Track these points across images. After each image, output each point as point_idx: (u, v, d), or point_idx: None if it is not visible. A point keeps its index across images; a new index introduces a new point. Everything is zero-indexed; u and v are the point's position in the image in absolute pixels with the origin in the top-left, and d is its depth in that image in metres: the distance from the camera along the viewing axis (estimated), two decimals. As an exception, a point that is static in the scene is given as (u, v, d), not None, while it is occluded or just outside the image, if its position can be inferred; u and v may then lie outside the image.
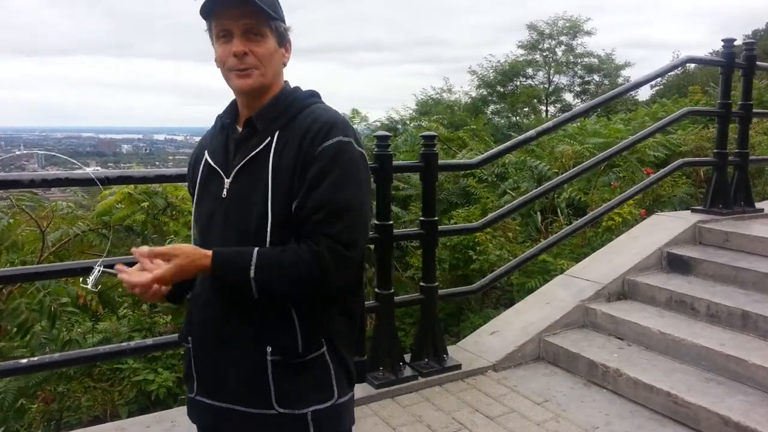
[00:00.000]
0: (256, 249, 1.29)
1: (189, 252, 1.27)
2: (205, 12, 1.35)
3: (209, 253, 1.29)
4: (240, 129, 1.44)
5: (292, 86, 1.47)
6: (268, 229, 1.32)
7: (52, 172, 3.00)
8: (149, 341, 3.02)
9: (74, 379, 3.94)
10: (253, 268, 1.27)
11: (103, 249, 4.77)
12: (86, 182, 3.05)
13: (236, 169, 1.38)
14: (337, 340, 1.41)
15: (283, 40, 1.42)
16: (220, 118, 1.50)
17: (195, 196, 1.48)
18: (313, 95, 1.47)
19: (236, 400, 1.38)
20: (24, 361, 2.77)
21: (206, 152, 1.46)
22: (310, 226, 1.31)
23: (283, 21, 1.41)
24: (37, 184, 2.67)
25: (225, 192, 1.38)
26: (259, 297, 1.29)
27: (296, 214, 1.32)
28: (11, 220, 4.32)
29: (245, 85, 1.37)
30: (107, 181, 3.28)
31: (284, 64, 1.44)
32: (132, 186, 4.45)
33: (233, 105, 1.48)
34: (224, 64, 1.37)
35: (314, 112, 1.40)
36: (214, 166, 1.43)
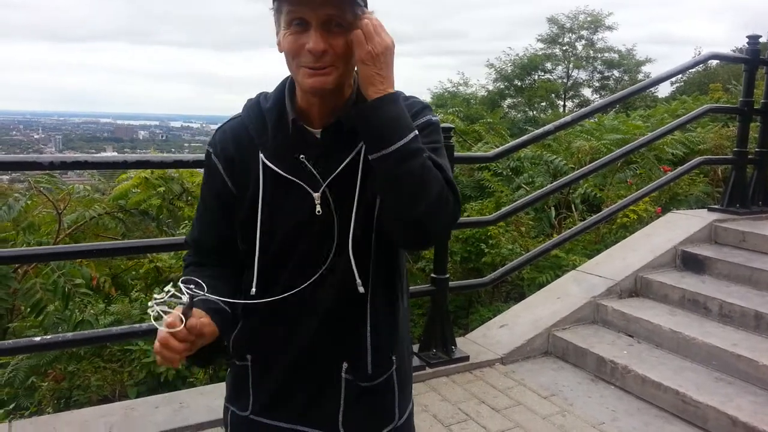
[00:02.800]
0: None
1: None
2: None
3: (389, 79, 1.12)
4: (313, 131, 1.22)
5: None
6: (350, 249, 1.21)
7: (71, 155, 3.03)
8: (160, 324, 3.05)
9: (85, 359, 4.00)
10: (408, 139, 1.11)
11: (118, 232, 4.83)
12: (105, 165, 3.09)
13: (328, 181, 1.20)
14: (405, 354, 1.37)
15: None
16: (275, 112, 1.23)
17: (259, 211, 1.22)
18: None
19: (302, 420, 1.30)
20: (38, 338, 2.82)
21: (262, 155, 1.22)
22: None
23: (366, 5, 1.18)
24: (56, 166, 2.70)
25: (318, 209, 1.19)
26: (416, 202, 1.11)
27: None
28: (29, 202, 4.38)
29: (321, 84, 1.14)
30: (126, 165, 3.33)
31: None
32: (149, 171, 4.49)
33: (285, 100, 1.24)
34: (294, 59, 1.15)
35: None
36: (290, 177, 1.20)
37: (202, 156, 3.01)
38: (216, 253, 1.31)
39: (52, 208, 4.54)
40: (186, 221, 4.79)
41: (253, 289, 1.24)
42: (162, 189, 4.48)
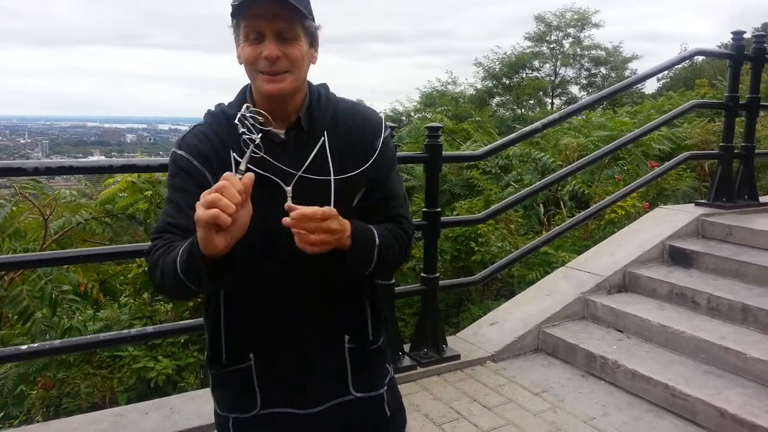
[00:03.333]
0: (372, 227, 1.32)
1: (343, 222, 1.22)
2: (239, 11, 1.26)
3: (347, 226, 1.23)
4: (276, 131, 1.33)
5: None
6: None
7: (56, 160, 3.00)
8: (149, 329, 3.04)
9: (74, 366, 3.97)
10: (377, 246, 1.30)
11: (106, 237, 4.79)
12: (90, 170, 3.07)
13: (297, 175, 1.32)
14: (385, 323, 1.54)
15: (314, 41, 1.35)
16: (243, 118, 1.31)
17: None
18: (328, 88, 1.45)
19: (315, 400, 1.40)
20: (24, 347, 2.80)
21: (234, 154, 1.32)
22: (387, 211, 1.41)
23: (314, 20, 1.33)
24: (40, 171, 2.67)
25: (290, 201, 1.27)
26: (370, 274, 1.34)
27: (363, 203, 1.38)
28: (14, 208, 4.34)
29: (277, 89, 1.29)
30: (111, 170, 3.31)
31: (313, 64, 1.38)
32: (135, 175, 4.46)
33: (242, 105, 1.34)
34: (252, 66, 1.29)
35: (352, 107, 1.44)
36: (263, 173, 1.29)
37: (188, 159, 3.00)
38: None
39: (38, 214, 4.50)
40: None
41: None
42: (149, 193, 4.44)
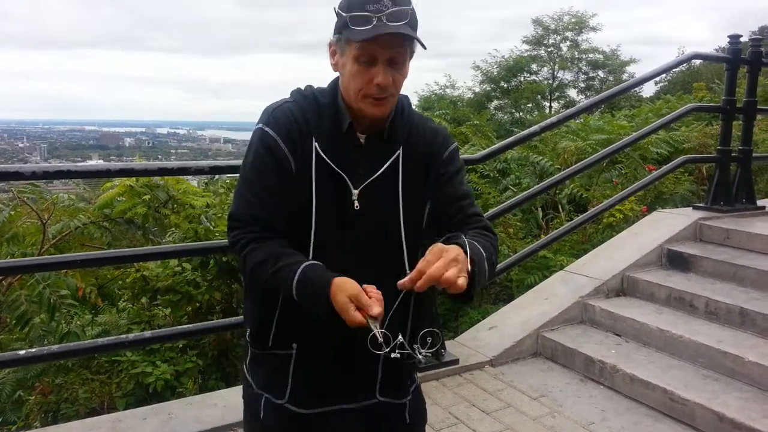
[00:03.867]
0: (470, 241, 1.25)
1: (452, 248, 1.19)
2: (359, 39, 1.24)
3: (459, 251, 1.20)
4: (360, 136, 1.38)
5: None
6: (404, 249, 1.37)
7: (54, 164, 3.01)
8: (148, 334, 3.03)
9: (72, 371, 3.96)
10: (485, 259, 1.27)
11: (104, 242, 4.79)
12: (88, 174, 3.07)
13: (367, 182, 1.35)
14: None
15: (412, 55, 1.38)
16: (332, 109, 1.37)
17: (314, 194, 1.33)
18: (409, 101, 1.49)
19: (343, 400, 1.43)
20: (22, 352, 2.78)
21: (316, 142, 1.34)
22: (462, 213, 1.41)
23: (425, 47, 1.34)
24: (38, 176, 2.67)
25: (356, 204, 1.34)
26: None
27: (437, 209, 1.40)
28: (12, 212, 4.33)
29: (381, 113, 1.33)
30: (109, 174, 3.31)
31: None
32: (134, 179, 4.46)
33: (338, 105, 1.37)
34: (360, 90, 1.30)
35: (423, 122, 1.47)
36: (338, 170, 1.34)
37: (186, 163, 2.99)
38: (276, 227, 1.35)
39: (36, 219, 4.49)
40: (173, 229, 4.76)
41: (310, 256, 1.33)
42: (147, 197, 4.44)
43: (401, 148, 1.39)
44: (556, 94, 22.72)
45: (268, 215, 1.34)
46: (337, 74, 1.39)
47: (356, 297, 1.19)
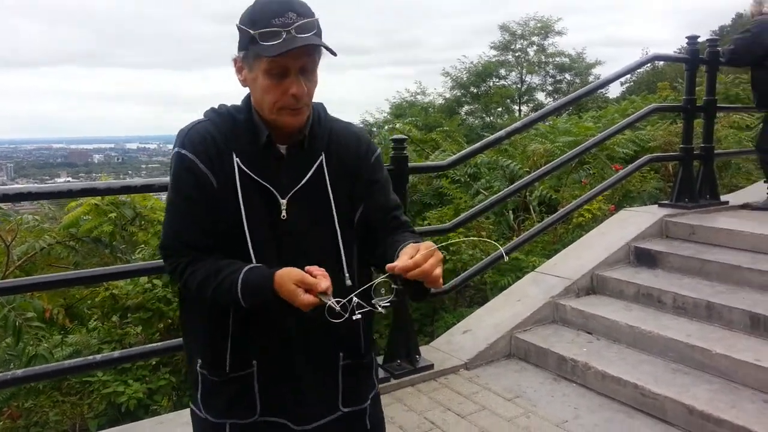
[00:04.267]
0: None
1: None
2: (274, 54, 1.24)
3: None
4: (280, 147, 1.38)
5: None
6: (341, 246, 1.39)
7: (15, 186, 2.95)
8: (116, 354, 2.98)
9: (43, 394, 3.87)
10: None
11: (71, 261, 4.70)
12: (50, 196, 3.02)
13: (294, 191, 1.36)
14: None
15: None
16: (249, 123, 1.38)
17: (242, 208, 1.34)
18: (324, 108, 1.50)
19: (308, 416, 1.42)
20: (-15, 377, 2.72)
21: (237, 158, 1.35)
22: (397, 221, 1.47)
23: (335, 53, 1.35)
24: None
25: (284, 214, 1.35)
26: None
27: (370, 215, 1.44)
28: (-25, 235, 4.24)
29: (297, 122, 1.35)
30: (71, 194, 3.24)
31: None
32: (99, 197, 4.39)
33: (254, 120, 1.38)
34: (275, 102, 1.31)
35: (346, 127, 1.50)
36: (263, 183, 1.35)
37: (151, 180, 2.96)
38: (208, 246, 1.35)
39: (0, 241, 4.40)
40: (142, 246, 4.70)
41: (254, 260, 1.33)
42: (114, 215, 4.38)
43: (323, 155, 1.40)
44: (525, 97, 22.96)
45: (197, 237, 1.35)
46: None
47: (301, 280, 1.22)
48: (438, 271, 1.19)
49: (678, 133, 6.92)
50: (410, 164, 3.41)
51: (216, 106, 1.43)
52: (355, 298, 1.23)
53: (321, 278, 1.22)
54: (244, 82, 1.36)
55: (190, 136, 1.36)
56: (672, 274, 3.79)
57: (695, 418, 2.65)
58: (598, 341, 3.44)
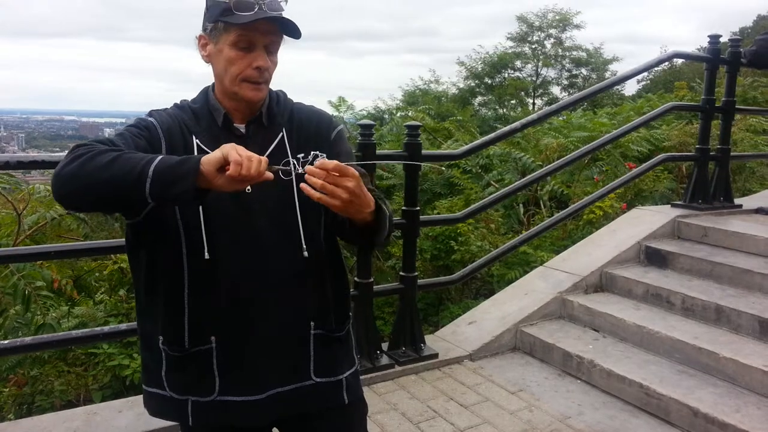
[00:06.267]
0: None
1: (365, 190, 1.26)
2: (242, 23, 1.31)
3: (371, 199, 1.29)
4: (237, 125, 1.43)
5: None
6: (299, 218, 1.41)
7: (30, 154, 2.95)
8: (123, 326, 2.98)
9: (48, 363, 3.91)
10: (388, 216, 1.38)
11: (81, 233, 4.72)
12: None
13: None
14: (352, 317, 1.61)
15: None
16: (205, 109, 1.44)
17: None
18: (286, 94, 1.56)
19: (275, 383, 1.42)
20: (-5, 343, 2.74)
21: (196, 140, 1.39)
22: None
23: (300, 35, 1.42)
24: (12, 165, 2.62)
25: (248, 188, 1.33)
26: (379, 243, 1.42)
27: None
28: (-14, 202, 4.26)
29: (257, 97, 1.40)
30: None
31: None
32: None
33: (210, 101, 1.44)
34: (239, 74, 1.37)
35: (304, 107, 1.54)
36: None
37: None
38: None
39: (11, 209, 4.42)
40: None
41: (206, 254, 1.34)
42: (126, 188, 4.39)
43: (284, 131, 1.45)
44: (540, 91, 22.83)
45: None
46: (205, 84, 1.48)
47: (233, 146, 1.18)
48: (348, 182, 1.19)
49: (693, 133, 6.86)
50: (423, 152, 3.39)
51: (178, 101, 1.50)
52: (291, 158, 1.29)
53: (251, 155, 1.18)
54: (207, 58, 1.41)
55: (158, 111, 1.45)
56: (682, 276, 3.77)
57: (699, 420, 2.64)
58: (605, 339, 3.42)
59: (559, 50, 22.91)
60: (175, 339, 1.39)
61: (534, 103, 21.99)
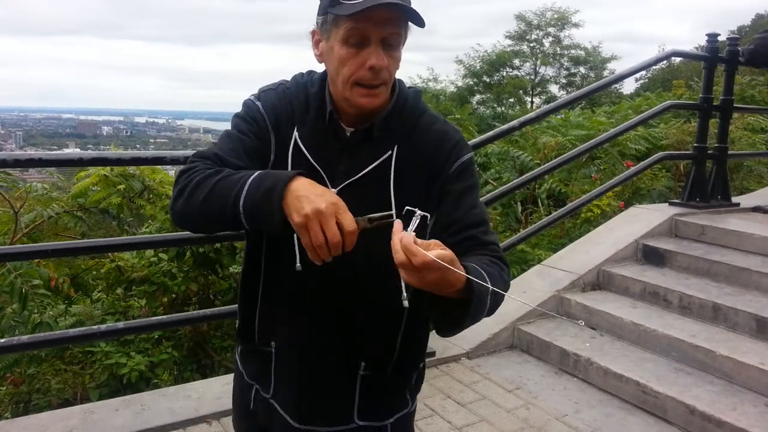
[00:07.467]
0: (479, 268, 1.08)
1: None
2: (351, 13, 1.09)
3: (462, 276, 0.98)
4: (346, 129, 1.24)
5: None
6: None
7: (27, 152, 2.95)
8: (120, 325, 2.98)
9: (45, 362, 3.89)
10: (489, 292, 1.06)
11: (78, 231, 4.71)
12: (60, 163, 3.02)
13: (348, 181, 1.20)
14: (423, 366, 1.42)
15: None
16: (318, 99, 1.25)
17: None
18: (420, 97, 1.32)
19: (314, 418, 1.31)
20: (-9, 342, 2.73)
21: (297, 133, 1.24)
22: (473, 241, 1.21)
23: (424, 24, 1.18)
24: (9, 164, 2.61)
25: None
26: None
27: (439, 230, 1.21)
28: (-17, 200, 4.24)
29: (372, 105, 1.18)
30: (82, 163, 3.24)
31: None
32: (108, 168, 4.38)
33: (324, 95, 1.25)
34: (351, 76, 1.15)
35: (433, 121, 1.29)
36: (315, 164, 1.21)
37: (161, 153, 2.96)
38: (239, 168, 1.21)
39: (8, 207, 4.41)
40: (149, 220, 4.70)
41: (298, 264, 1.16)
42: (122, 187, 4.37)
43: (395, 149, 1.22)
44: (538, 89, 22.86)
45: (236, 165, 1.19)
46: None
47: (318, 213, 1.01)
48: (436, 252, 0.92)
49: (691, 132, 6.87)
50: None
51: (304, 72, 1.32)
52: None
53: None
54: (320, 57, 1.23)
55: (267, 94, 1.28)
56: (679, 274, 3.77)
57: (696, 418, 2.65)
58: (602, 337, 3.43)
59: (558, 49, 22.94)
60: (246, 334, 1.36)
61: (532, 102, 22.01)
